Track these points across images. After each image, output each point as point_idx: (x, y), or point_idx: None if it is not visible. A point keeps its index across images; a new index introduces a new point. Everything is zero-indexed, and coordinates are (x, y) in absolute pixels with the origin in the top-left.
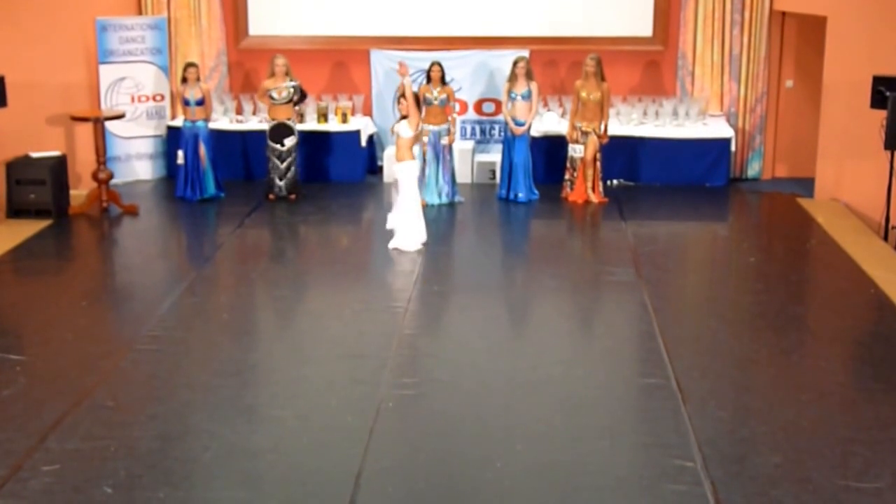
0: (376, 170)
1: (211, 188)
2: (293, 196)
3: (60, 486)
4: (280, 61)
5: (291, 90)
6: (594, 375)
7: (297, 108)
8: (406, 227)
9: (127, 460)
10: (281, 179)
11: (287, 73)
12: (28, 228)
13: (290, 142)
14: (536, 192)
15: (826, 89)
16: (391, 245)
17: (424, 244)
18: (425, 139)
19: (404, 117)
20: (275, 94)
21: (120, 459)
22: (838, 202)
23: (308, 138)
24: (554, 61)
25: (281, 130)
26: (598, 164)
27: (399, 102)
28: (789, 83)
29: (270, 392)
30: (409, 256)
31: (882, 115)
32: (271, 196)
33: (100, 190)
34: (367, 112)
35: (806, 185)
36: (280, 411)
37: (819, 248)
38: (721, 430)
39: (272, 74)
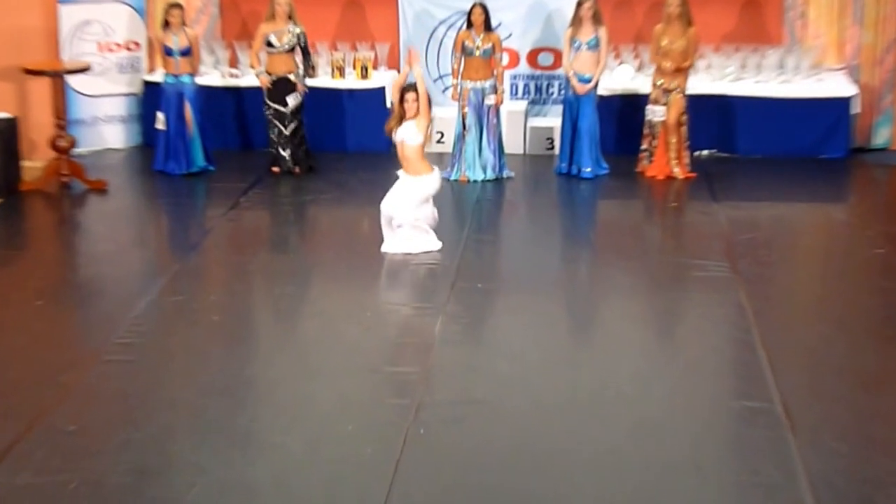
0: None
1: (199, 160)
2: (298, 169)
3: None
4: (282, 0)
5: (295, 38)
6: (677, 395)
7: (303, 65)
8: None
9: (93, 500)
10: (285, 149)
11: (290, 16)
12: None
13: (293, 100)
14: (605, 165)
15: None
16: (416, 249)
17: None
18: (464, 103)
19: (402, 118)
20: (273, 41)
21: (83, 498)
22: None
23: (319, 98)
24: (628, 1)
25: (282, 87)
26: (684, 129)
27: (402, 101)
28: None
29: (271, 414)
30: (445, 247)
31: None
32: (275, 169)
33: (59, 161)
34: (394, 65)
35: None
36: (283, 438)
37: None
38: (839, 466)
39: (271, 16)
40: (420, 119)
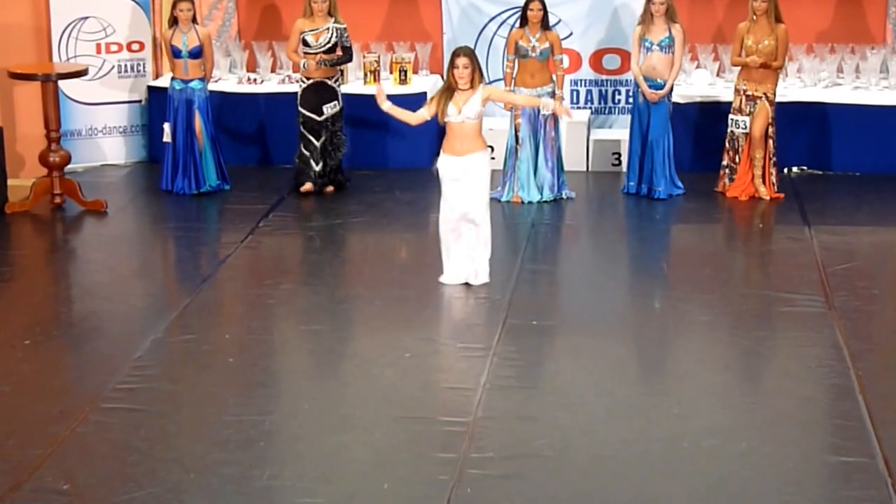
0: None
1: (211, 177)
2: (330, 189)
3: None
4: None
5: (334, 35)
6: (762, 450)
7: (339, 66)
8: (487, 249)
9: None
10: (317, 163)
11: (330, 13)
12: None
13: (330, 109)
14: (681, 184)
15: None
16: (480, 281)
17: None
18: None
19: (452, 92)
20: (310, 39)
21: None
22: None
23: (351, 106)
24: None
25: (318, 93)
26: (772, 143)
27: (453, 68)
28: None
29: (296, 471)
30: (496, 279)
31: None
32: (305, 188)
33: (51, 179)
34: (437, 68)
35: None
36: (309, 500)
37: None
38: None
39: (309, 12)
40: (483, 89)
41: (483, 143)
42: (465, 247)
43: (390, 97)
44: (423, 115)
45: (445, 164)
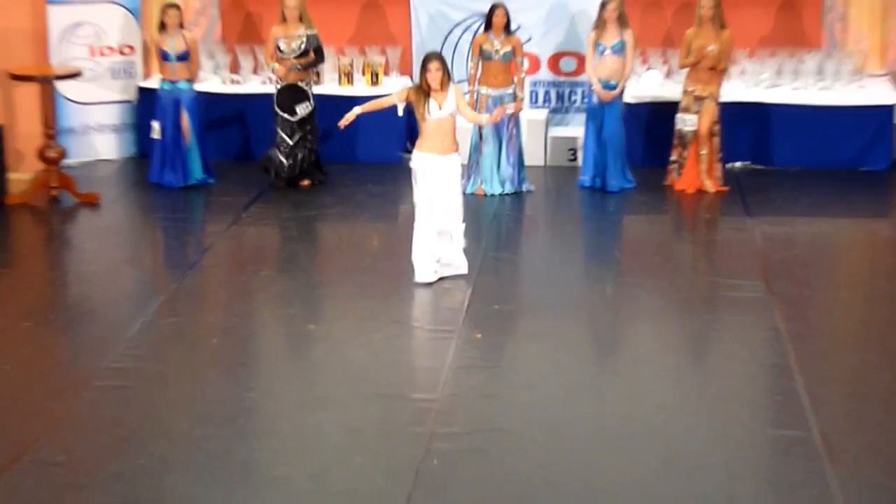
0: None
1: (197, 171)
2: (306, 182)
3: None
4: (291, 3)
5: (305, 41)
6: (708, 426)
7: (311, 69)
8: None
9: None
10: (287, 159)
11: (301, 19)
12: None
13: (303, 109)
14: (632, 178)
15: None
16: (462, 271)
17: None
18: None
19: (427, 94)
20: (283, 46)
21: None
22: None
23: (326, 106)
24: (657, 3)
25: (292, 95)
26: (717, 140)
27: (425, 72)
28: None
29: (274, 445)
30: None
31: None
32: (280, 183)
33: (48, 173)
34: (406, 70)
35: None
36: (287, 470)
37: None
38: (882, 501)
39: (282, 19)
40: (453, 87)
41: (456, 144)
42: (443, 247)
43: (361, 99)
44: (393, 99)
45: (426, 161)
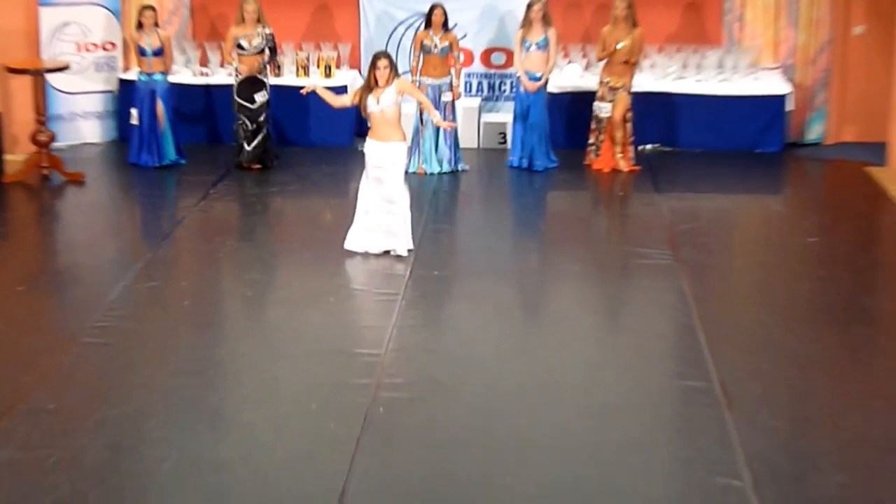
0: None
1: (170, 153)
2: (258, 165)
3: None
4: (250, 7)
5: (263, 39)
6: (622, 378)
7: (268, 64)
8: (406, 222)
9: (71, 473)
10: (249, 143)
11: (259, 20)
12: None
13: (260, 98)
14: (555, 158)
15: None
16: (402, 251)
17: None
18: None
19: (371, 88)
20: (244, 44)
21: (62, 473)
22: None
23: (285, 95)
24: (577, 4)
25: (251, 85)
26: (629, 125)
27: (374, 69)
28: (859, 29)
29: (239, 394)
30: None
31: None
32: (244, 164)
33: (40, 154)
34: (355, 64)
35: (878, 152)
36: (250, 417)
37: (893, 225)
38: (774, 442)
39: (241, 21)
40: (398, 83)
41: (402, 133)
42: (376, 223)
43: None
44: (345, 101)
45: (371, 148)
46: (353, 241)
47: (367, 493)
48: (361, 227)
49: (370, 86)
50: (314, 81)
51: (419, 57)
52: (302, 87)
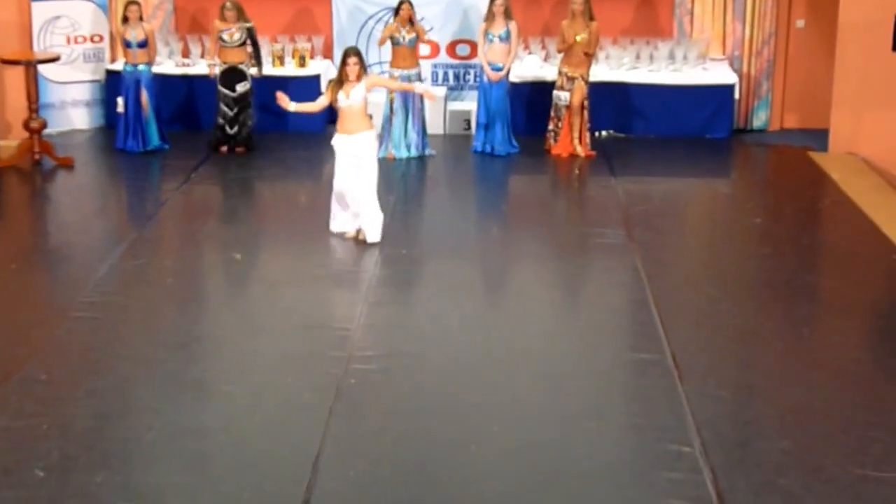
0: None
1: (154, 139)
2: (241, 149)
3: None
4: (229, 3)
5: (244, 32)
6: (579, 349)
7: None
8: (376, 211)
9: (61, 440)
10: (231, 128)
11: (239, 17)
12: None
13: (241, 87)
14: (516, 144)
15: (842, 29)
16: (371, 239)
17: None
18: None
19: (341, 82)
20: (226, 37)
21: (53, 439)
22: (855, 156)
23: (262, 84)
24: None
25: (232, 75)
26: (586, 113)
27: (344, 65)
28: (800, 23)
29: (219, 366)
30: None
31: None
32: (223, 149)
33: (32, 140)
34: (328, 55)
35: (819, 138)
36: (230, 387)
37: (833, 207)
38: (722, 411)
39: (223, 17)
40: (367, 79)
41: (369, 123)
42: (351, 212)
43: (291, 79)
44: (323, 102)
45: (341, 142)
46: (335, 224)
47: (339, 457)
48: (338, 210)
49: (340, 80)
50: (290, 71)
51: (387, 39)
52: (283, 101)
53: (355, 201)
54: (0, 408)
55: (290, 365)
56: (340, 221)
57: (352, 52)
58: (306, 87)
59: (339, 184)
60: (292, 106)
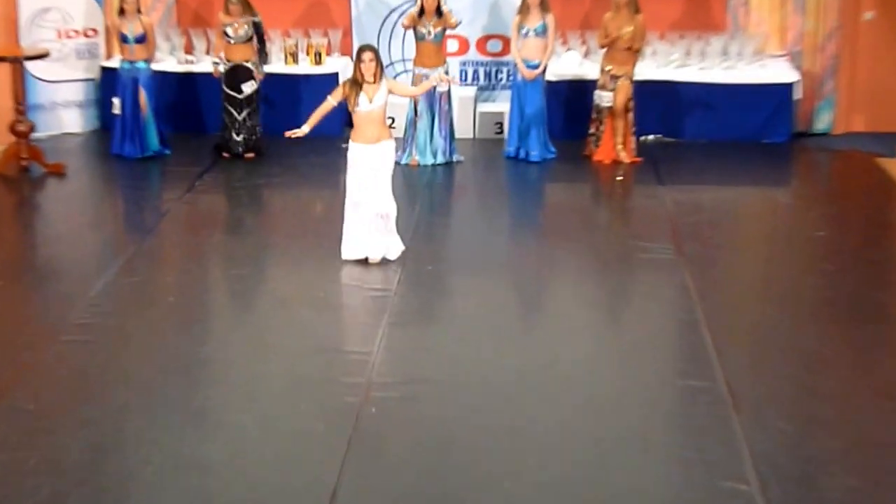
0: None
1: (154, 143)
2: (250, 155)
3: None
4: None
5: (250, 26)
6: (623, 375)
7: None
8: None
9: (51, 476)
10: (238, 134)
11: (245, 10)
12: None
13: (248, 88)
14: (553, 149)
15: None
16: (393, 256)
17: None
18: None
19: (360, 84)
20: (230, 32)
21: (42, 474)
22: None
23: (273, 83)
24: None
25: (238, 74)
26: (631, 115)
27: (359, 62)
28: (869, 15)
29: (226, 393)
30: (396, 228)
31: None
32: (226, 154)
33: (19, 145)
34: (346, 51)
35: (888, 142)
36: (238, 416)
37: None
38: (782, 444)
39: (227, 11)
40: (387, 83)
41: (389, 131)
42: (366, 231)
43: (305, 77)
44: (332, 103)
45: (359, 152)
46: (349, 250)
47: (358, 494)
48: (354, 233)
49: (357, 80)
50: (304, 69)
51: (412, 28)
52: (295, 134)
53: (376, 213)
54: None
55: (304, 392)
56: (352, 247)
57: (366, 48)
58: (323, 86)
59: (355, 195)
60: (305, 128)
